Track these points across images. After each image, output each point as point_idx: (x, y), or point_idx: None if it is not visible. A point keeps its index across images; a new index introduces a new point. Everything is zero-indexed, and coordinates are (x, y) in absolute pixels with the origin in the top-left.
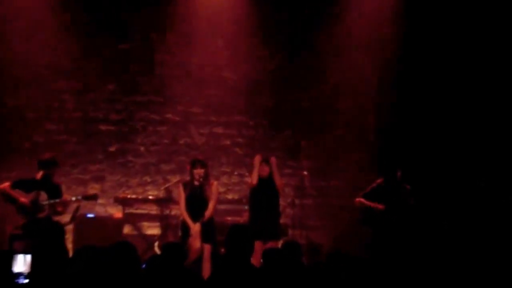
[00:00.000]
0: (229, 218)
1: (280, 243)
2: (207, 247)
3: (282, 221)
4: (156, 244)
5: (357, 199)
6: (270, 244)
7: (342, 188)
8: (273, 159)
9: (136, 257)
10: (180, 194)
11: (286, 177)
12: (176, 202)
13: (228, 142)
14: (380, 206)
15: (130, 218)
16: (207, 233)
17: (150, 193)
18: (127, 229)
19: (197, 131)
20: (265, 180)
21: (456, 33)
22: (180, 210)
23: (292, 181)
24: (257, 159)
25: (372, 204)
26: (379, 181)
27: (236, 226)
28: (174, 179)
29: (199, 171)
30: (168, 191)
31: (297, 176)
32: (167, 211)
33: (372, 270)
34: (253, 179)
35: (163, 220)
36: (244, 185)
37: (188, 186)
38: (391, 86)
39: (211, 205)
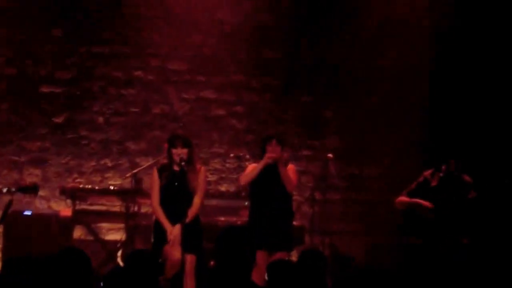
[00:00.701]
0: (221, 219)
1: (292, 254)
2: (190, 259)
3: (296, 223)
4: (119, 253)
5: (398, 200)
6: (278, 256)
7: (380, 178)
8: (290, 167)
9: (90, 270)
10: (154, 182)
11: (303, 162)
12: (148, 195)
13: (222, 112)
14: (426, 203)
15: (83, 217)
16: (191, 239)
17: (111, 182)
18: (78, 232)
19: (178, 96)
20: (273, 167)
21: None
22: (152, 205)
23: (312, 167)
24: (269, 159)
25: (416, 202)
26: (427, 173)
27: (231, 229)
28: (145, 162)
29: (180, 152)
30: (136, 179)
31: (319, 160)
32: (134, 208)
33: None
34: (242, 178)
35: (129, 220)
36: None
37: (165, 172)
38: (453, 42)
39: (197, 200)
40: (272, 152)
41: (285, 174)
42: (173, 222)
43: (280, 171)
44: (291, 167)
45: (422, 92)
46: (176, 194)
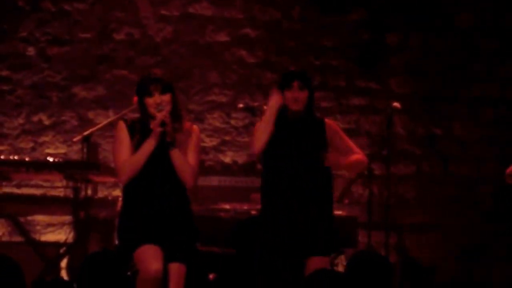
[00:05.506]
0: (226, 207)
1: (338, 261)
2: (177, 269)
3: (342, 211)
4: (64, 262)
5: (510, 169)
6: (314, 263)
7: (479, 141)
8: (334, 126)
9: (22, 285)
10: (122, 136)
11: (353, 115)
12: (108, 171)
13: (223, 37)
14: None
15: (6, 206)
16: (178, 240)
17: (49, 151)
18: (1, 231)
19: (154, 12)
20: (298, 120)
21: None
22: (117, 165)
23: (365, 124)
24: (274, 100)
25: None
26: None
27: (245, 223)
28: (103, 119)
29: (158, 100)
30: (89, 146)
31: (377, 112)
32: (87, 192)
33: None
34: (255, 143)
35: (79, 211)
36: None
37: (135, 131)
38: None
39: (191, 162)
40: (294, 102)
41: (346, 138)
42: (151, 214)
43: (341, 139)
44: (332, 124)
45: None
46: (156, 167)
